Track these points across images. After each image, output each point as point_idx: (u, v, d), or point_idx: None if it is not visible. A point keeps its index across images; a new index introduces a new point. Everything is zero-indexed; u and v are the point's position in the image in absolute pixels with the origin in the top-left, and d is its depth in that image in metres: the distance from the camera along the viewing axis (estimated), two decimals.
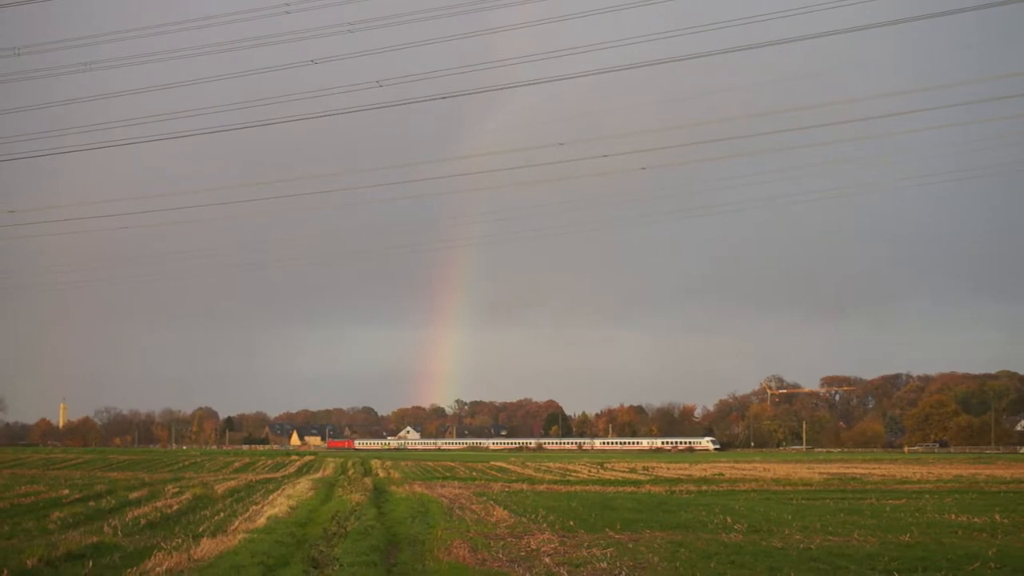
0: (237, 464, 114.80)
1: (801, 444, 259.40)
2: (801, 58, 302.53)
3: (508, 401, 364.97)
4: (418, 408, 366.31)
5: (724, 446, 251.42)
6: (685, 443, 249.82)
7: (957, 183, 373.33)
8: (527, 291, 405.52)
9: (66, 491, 54.04)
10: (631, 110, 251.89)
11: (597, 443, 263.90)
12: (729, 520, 37.26)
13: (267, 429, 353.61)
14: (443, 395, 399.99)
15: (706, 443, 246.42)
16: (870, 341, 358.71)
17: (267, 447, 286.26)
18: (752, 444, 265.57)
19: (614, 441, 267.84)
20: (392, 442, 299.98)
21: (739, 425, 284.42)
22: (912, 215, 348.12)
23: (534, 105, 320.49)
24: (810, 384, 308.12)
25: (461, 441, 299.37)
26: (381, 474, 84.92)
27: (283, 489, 57.15)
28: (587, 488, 62.31)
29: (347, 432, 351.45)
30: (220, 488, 58.32)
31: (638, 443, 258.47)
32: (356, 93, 59.95)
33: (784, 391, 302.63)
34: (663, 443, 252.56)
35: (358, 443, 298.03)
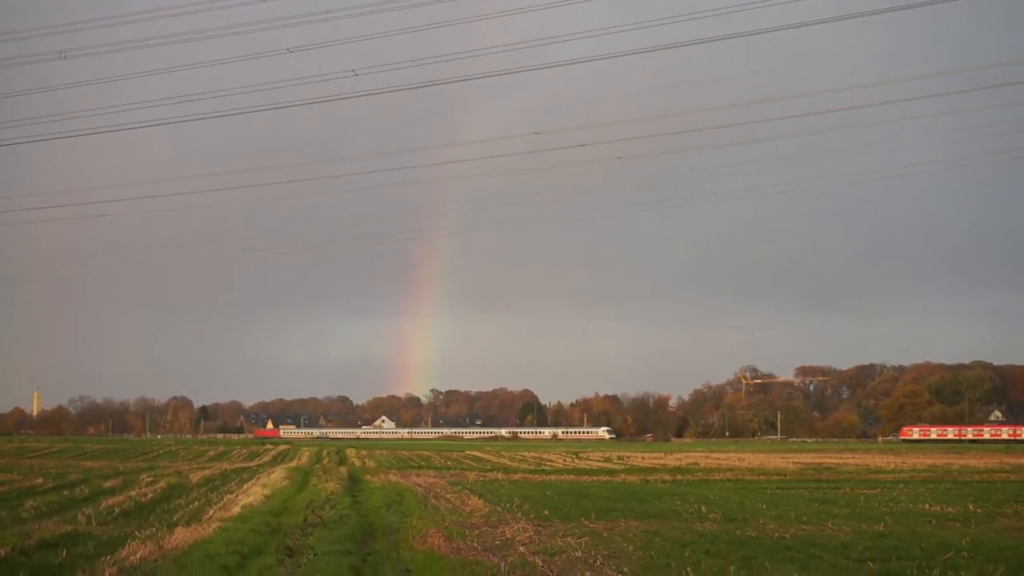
0: (212, 453, 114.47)
1: (776, 434, 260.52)
2: (783, 48, 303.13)
3: (483, 390, 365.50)
4: (393, 397, 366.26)
5: (619, 435, 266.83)
6: (583, 432, 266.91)
7: (938, 173, 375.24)
8: (504, 280, 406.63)
9: (40, 480, 53.77)
10: (611, 100, 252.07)
11: (504, 432, 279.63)
12: (704, 509, 37.34)
13: (242, 418, 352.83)
14: (418, 384, 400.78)
15: (601, 432, 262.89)
16: (845, 331, 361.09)
17: (242, 436, 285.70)
18: (727, 434, 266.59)
19: (525, 431, 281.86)
20: (315, 432, 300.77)
21: (714, 415, 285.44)
22: (892, 206, 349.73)
23: (513, 94, 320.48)
24: (785, 374, 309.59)
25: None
26: (356, 463, 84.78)
27: (258, 478, 56.97)
28: (562, 477, 62.33)
29: (321, 421, 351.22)
30: (195, 477, 58.14)
31: (540, 432, 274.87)
32: (332, 81, 59.84)
33: (759, 381, 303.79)
34: (562, 432, 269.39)
35: (283, 432, 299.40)
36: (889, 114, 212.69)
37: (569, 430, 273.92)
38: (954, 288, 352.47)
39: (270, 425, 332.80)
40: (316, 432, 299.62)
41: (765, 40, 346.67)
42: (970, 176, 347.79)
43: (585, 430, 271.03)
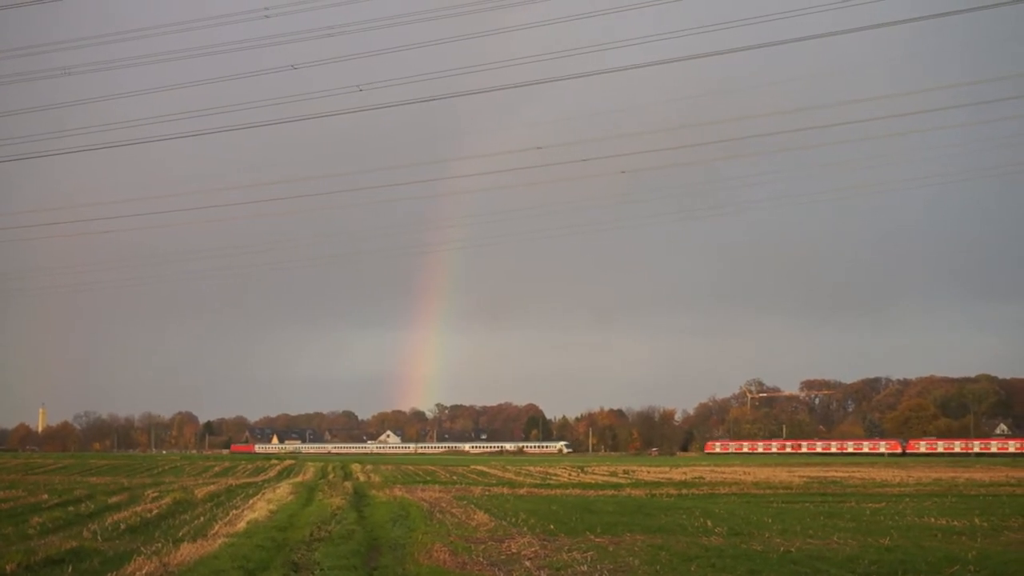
0: (217, 468, 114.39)
1: None
2: (797, 60, 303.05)
3: (488, 405, 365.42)
4: (399, 412, 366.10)
5: (576, 449, 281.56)
6: (542, 446, 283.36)
7: (945, 185, 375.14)
8: (509, 295, 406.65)
9: (45, 496, 53.75)
10: (618, 113, 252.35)
11: (467, 447, 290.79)
12: (709, 523, 37.30)
13: (247, 433, 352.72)
14: (424, 399, 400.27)
15: (559, 446, 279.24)
16: (851, 344, 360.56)
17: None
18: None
19: (481, 445, 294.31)
20: (288, 446, 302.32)
21: (719, 429, 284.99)
22: (901, 218, 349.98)
23: (520, 109, 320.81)
24: (790, 387, 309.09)
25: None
26: (361, 478, 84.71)
27: (263, 493, 56.95)
28: (568, 492, 62.25)
29: (327, 436, 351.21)
30: (200, 492, 58.07)
31: (504, 446, 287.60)
32: (337, 97, 59.98)
33: (764, 394, 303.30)
34: (524, 446, 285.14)
35: (258, 447, 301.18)
36: (898, 126, 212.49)
37: (531, 444, 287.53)
38: (961, 301, 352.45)
39: (275, 440, 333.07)
40: (290, 447, 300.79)
41: (781, 52, 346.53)
42: (978, 188, 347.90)
43: (543, 444, 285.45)
